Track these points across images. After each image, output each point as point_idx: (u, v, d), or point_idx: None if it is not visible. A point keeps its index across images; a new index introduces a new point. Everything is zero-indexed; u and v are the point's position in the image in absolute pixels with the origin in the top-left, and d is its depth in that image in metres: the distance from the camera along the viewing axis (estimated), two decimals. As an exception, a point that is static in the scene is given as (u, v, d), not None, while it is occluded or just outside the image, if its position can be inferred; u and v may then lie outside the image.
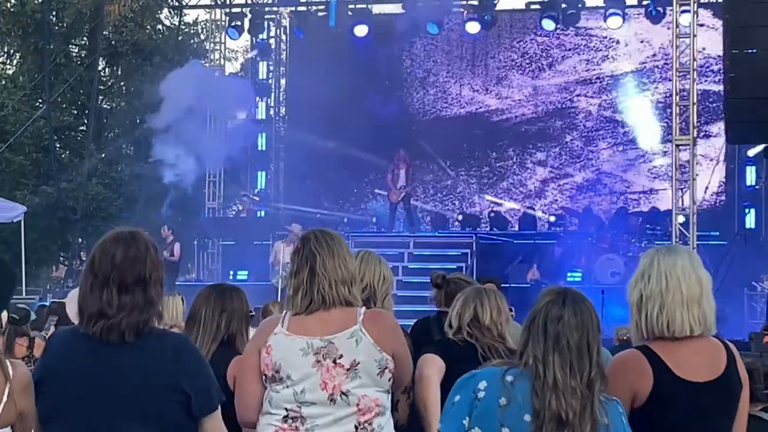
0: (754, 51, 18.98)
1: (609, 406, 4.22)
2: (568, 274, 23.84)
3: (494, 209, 28.32)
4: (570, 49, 29.07)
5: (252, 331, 5.75)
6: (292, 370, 5.06)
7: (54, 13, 35.25)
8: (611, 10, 26.96)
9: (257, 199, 28.99)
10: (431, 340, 6.86)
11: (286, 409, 5.08)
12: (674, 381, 4.72)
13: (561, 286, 4.48)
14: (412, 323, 7.79)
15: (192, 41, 37.74)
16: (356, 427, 5.06)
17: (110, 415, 4.22)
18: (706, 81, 26.41)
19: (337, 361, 5.03)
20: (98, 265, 4.28)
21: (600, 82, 28.85)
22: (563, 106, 29.05)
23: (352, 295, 5.19)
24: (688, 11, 22.52)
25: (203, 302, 6.25)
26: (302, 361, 5.06)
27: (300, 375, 5.05)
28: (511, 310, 7.03)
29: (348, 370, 5.04)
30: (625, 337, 14.89)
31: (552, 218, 27.15)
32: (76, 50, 39.20)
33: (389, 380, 5.14)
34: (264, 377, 5.14)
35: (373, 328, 5.11)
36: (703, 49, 25.26)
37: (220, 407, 4.50)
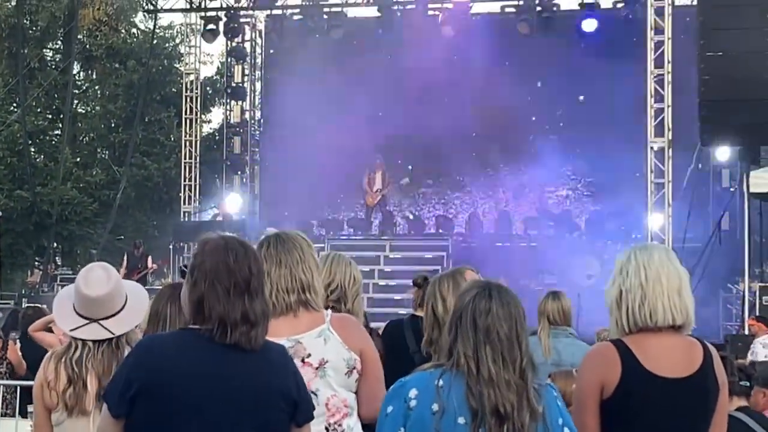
0: (727, 54, 19.08)
1: (543, 392, 4.19)
2: (545, 276, 23.84)
3: (470, 212, 28.29)
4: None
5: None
6: None
7: (28, 18, 35.17)
8: (586, 13, 27.00)
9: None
10: (406, 350, 6.81)
11: None
12: (642, 374, 4.74)
13: (483, 279, 4.45)
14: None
15: (167, 45, 37.72)
16: (327, 429, 5.05)
17: (232, 422, 4.17)
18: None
19: (306, 360, 5.02)
20: (237, 272, 4.24)
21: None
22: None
23: (310, 298, 5.15)
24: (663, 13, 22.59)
25: (167, 300, 6.11)
26: None
27: None
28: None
29: (317, 368, 5.03)
30: (605, 339, 14.92)
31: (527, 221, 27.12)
32: (51, 54, 39.19)
33: (356, 381, 5.12)
34: None
35: (340, 328, 5.11)
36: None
37: None
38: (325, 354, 5.04)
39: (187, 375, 4.18)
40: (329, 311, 5.19)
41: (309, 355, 5.03)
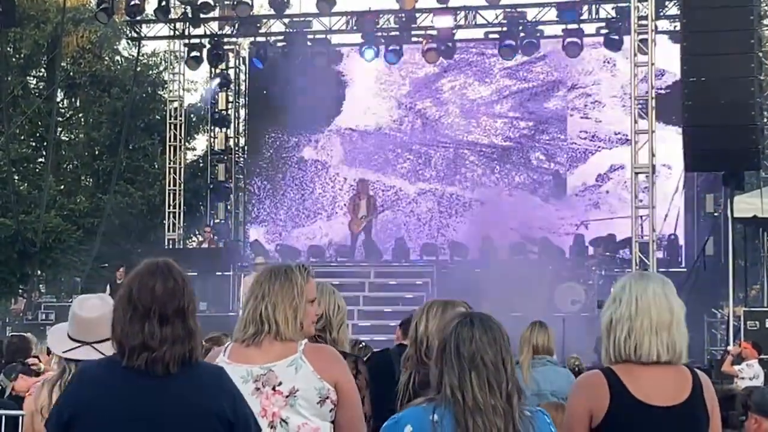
0: (710, 79, 19.12)
1: (535, 418, 4.20)
2: (530, 302, 23.77)
3: (453, 238, 28.23)
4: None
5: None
6: None
7: (11, 45, 35.11)
8: (569, 40, 27.08)
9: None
10: (392, 376, 6.80)
11: None
12: (631, 402, 4.73)
13: (466, 310, 4.45)
14: (370, 353, 7.68)
15: (151, 72, 37.70)
16: None
17: None
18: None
19: (276, 388, 5.09)
20: (138, 297, 4.26)
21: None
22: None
23: (272, 330, 5.22)
24: (646, 39, 22.60)
25: None
26: (242, 388, 5.07)
27: None
28: None
29: (287, 397, 5.09)
30: (575, 366, 14.94)
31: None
32: (34, 82, 39.16)
33: (331, 410, 5.14)
34: None
35: (313, 357, 5.16)
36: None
37: None
38: (296, 383, 5.10)
39: (109, 402, 4.24)
40: (304, 341, 5.24)
41: (280, 383, 5.11)
